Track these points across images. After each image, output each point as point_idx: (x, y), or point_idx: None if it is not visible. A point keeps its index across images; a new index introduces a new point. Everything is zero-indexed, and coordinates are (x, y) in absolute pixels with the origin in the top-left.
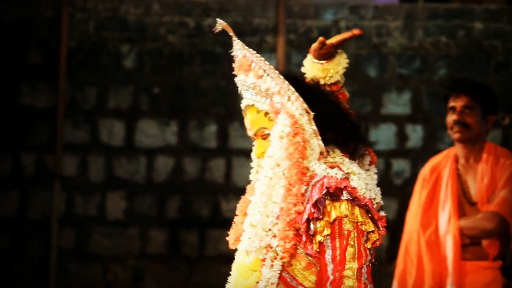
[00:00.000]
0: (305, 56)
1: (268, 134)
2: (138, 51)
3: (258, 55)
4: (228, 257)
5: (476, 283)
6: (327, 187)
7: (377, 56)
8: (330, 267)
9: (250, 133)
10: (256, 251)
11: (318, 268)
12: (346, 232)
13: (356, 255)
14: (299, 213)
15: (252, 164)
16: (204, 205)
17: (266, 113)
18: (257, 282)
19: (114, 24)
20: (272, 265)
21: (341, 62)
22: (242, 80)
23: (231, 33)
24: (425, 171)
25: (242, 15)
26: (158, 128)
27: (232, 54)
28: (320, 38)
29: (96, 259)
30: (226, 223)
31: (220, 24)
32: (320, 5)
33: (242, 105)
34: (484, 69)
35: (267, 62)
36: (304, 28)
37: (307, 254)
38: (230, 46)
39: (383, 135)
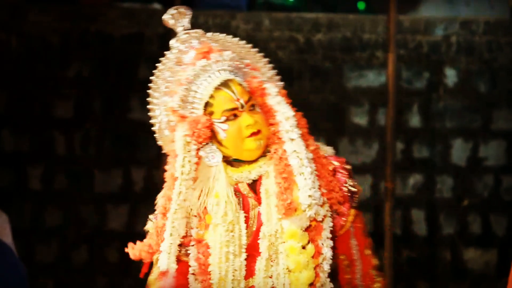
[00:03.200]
0: (415, 72)
1: (255, 107)
2: None
3: (218, 35)
4: None
5: None
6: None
7: (488, 71)
8: (354, 242)
9: (238, 103)
10: (317, 201)
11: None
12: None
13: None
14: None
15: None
16: None
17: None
18: (317, 266)
19: None
20: (329, 246)
21: None
22: (217, 57)
23: (188, 26)
24: None
25: (351, 31)
26: None
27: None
28: None
29: None
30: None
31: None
32: (430, 20)
33: (216, 82)
34: None
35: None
36: (414, 43)
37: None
38: (340, 61)
39: (493, 151)
